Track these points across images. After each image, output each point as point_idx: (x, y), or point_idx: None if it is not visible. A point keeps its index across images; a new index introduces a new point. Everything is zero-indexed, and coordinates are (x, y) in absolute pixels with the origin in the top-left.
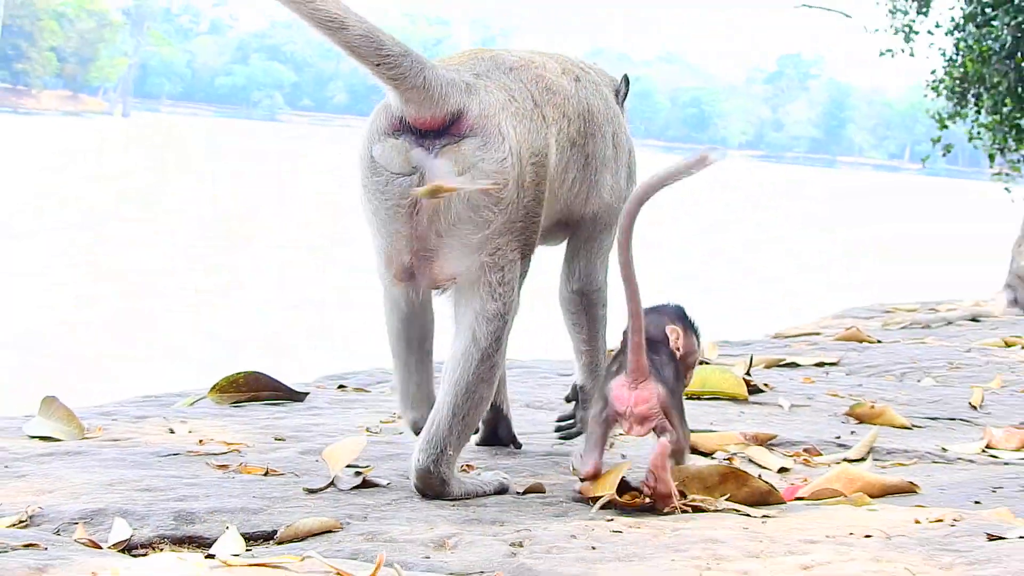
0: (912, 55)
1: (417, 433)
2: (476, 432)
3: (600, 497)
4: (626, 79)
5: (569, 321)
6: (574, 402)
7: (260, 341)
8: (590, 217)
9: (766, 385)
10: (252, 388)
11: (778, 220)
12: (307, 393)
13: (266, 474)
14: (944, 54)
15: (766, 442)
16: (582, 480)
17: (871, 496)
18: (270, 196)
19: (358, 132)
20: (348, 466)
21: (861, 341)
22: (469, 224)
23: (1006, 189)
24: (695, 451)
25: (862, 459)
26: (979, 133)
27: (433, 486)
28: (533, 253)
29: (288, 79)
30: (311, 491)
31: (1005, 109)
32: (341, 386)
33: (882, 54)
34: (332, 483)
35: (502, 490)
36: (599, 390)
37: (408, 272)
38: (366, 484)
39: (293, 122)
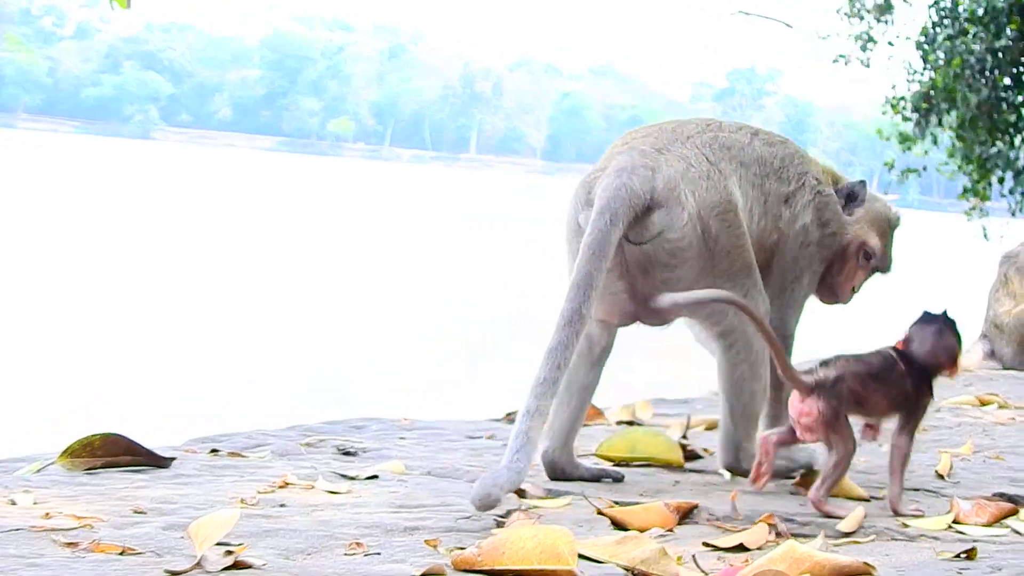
0: (868, 65)
1: (546, 463)
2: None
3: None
4: (862, 182)
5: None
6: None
7: (119, 395)
8: (777, 251)
9: (705, 450)
10: (109, 452)
11: None
12: (173, 458)
13: (122, 553)
14: (910, 67)
15: (689, 512)
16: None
17: None
18: (141, 227)
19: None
20: (218, 544)
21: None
22: (672, 279)
23: (983, 228)
24: (619, 527)
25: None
26: (947, 162)
27: (739, 474)
28: (754, 269)
29: (164, 91)
30: (174, 573)
31: (977, 141)
32: (214, 450)
33: (835, 60)
34: (198, 564)
35: (808, 465)
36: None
37: (632, 316)
38: (238, 565)
39: (170, 140)
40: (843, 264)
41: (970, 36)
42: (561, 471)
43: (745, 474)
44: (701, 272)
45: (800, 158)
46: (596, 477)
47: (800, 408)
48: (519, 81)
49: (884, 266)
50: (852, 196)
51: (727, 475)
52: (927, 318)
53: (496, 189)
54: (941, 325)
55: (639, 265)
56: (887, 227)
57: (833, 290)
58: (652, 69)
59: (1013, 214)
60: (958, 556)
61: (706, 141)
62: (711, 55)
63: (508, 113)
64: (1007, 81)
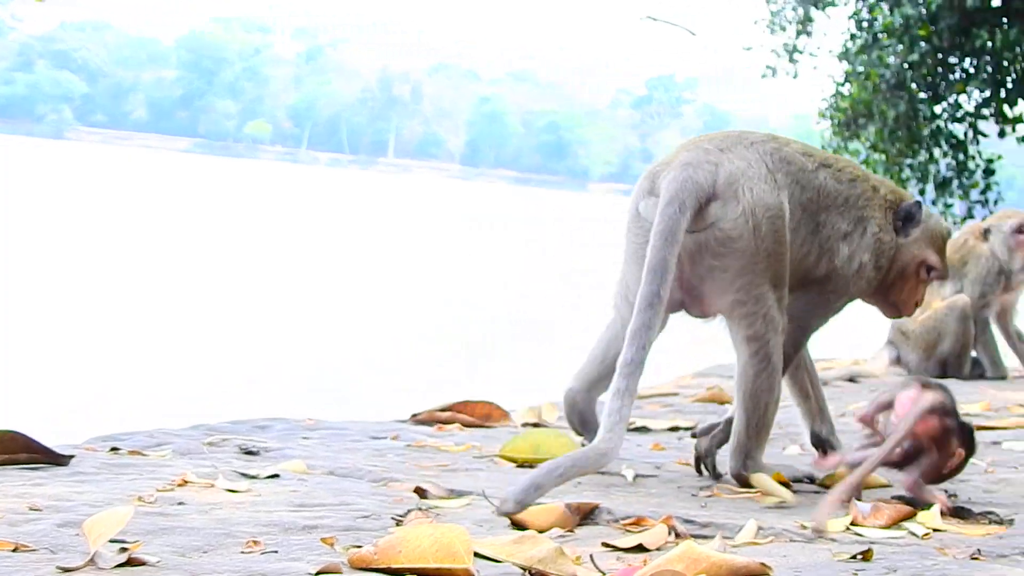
0: (795, 76)
1: (567, 400)
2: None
3: None
4: (918, 203)
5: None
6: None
7: (27, 394)
8: (822, 278)
9: None
10: (7, 450)
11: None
12: (72, 456)
13: (15, 550)
14: (833, 79)
15: (589, 513)
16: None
17: None
18: (54, 228)
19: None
20: (112, 541)
21: (723, 403)
22: (718, 269)
23: None
24: (519, 527)
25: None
26: (869, 162)
27: (746, 484)
28: (786, 284)
29: (79, 90)
30: (66, 570)
31: (894, 147)
32: (114, 448)
33: (764, 75)
34: (91, 560)
35: (811, 479)
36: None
37: (679, 304)
38: (132, 562)
39: (84, 140)
40: (904, 283)
41: (886, 50)
42: (579, 414)
43: (747, 484)
44: (744, 267)
45: (866, 200)
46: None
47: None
48: (438, 86)
49: (944, 276)
50: (909, 217)
51: (630, 476)
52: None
53: (414, 193)
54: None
55: (689, 252)
56: (942, 242)
57: (897, 307)
58: (571, 75)
59: None
60: (854, 557)
61: (768, 151)
62: (631, 62)
63: (426, 117)
64: (923, 94)
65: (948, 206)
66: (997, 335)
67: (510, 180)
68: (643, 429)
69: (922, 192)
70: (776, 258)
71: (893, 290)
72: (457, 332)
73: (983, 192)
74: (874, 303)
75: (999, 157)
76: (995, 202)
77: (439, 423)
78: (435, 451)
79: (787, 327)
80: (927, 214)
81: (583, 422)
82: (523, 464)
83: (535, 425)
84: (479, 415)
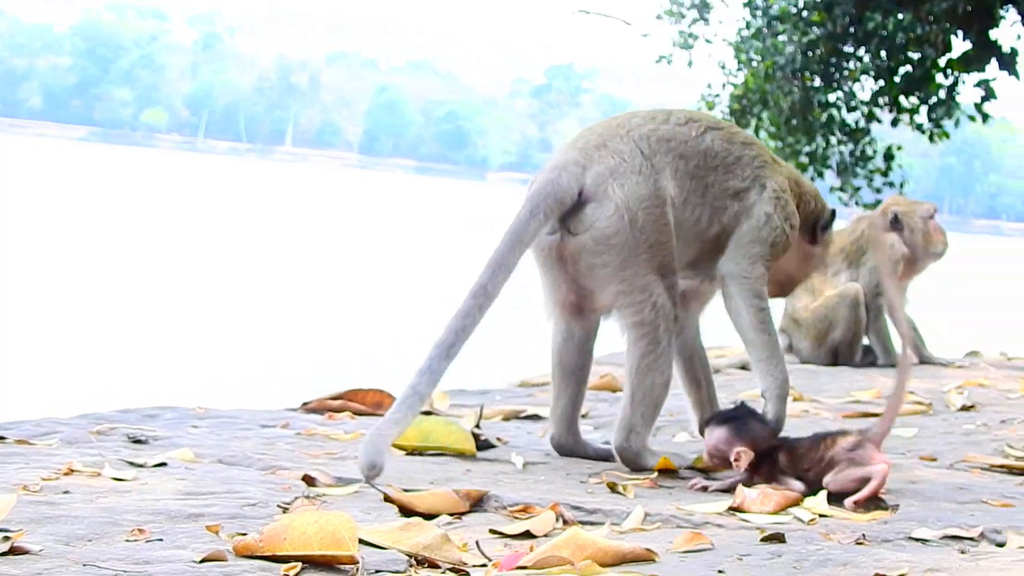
0: (690, 64)
1: (555, 446)
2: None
3: None
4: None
5: (728, 310)
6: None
7: None
8: (720, 236)
9: (499, 439)
10: None
11: None
12: None
13: None
14: (724, 67)
15: (478, 500)
16: None
17: (603, 565)
18: None
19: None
20: None
21: (615, 391)
22: (599, 267)
23: None
24: (407, 513)
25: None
26: None
27: (628, 459)
28: (675, 271)
29: None
30: None
31: (790, 136)
32: (1, 437)
33: (658, 61)
34: None
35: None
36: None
37: (576, 307)
38: (15, 551)
39: None
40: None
41: (780, 37)
42: (568, 451)
43: (635, 457)
44: (626, 261)
45: (763, 163)
46: (601, 456)
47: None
48: (336, 74)
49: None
50: (824, 226)
51: (519, 464)
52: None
53: (312, 183)
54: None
55: (571, 255)
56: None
57: (782, 288)
58: (470, 64)
59: (846, 205)
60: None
61: (644, 134)
62: (530, 51)
63: (325, 106)
64: (817, 81)
65: (857, 189)
66: (888, 322)
67: (409, 169)
68: (534, 417)
69: (820, 175)
70: (659, 247)
71: (782, 267)
72: (354, 321)
73: (885, 174)
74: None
75: (899, 148)
76: (902, 185)
77: (330, 411)
78: (325, 439)
79: (729, 275)
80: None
81: (582, 455)
82: (413, 452)
83: (426, 413)
84: (370, 403)
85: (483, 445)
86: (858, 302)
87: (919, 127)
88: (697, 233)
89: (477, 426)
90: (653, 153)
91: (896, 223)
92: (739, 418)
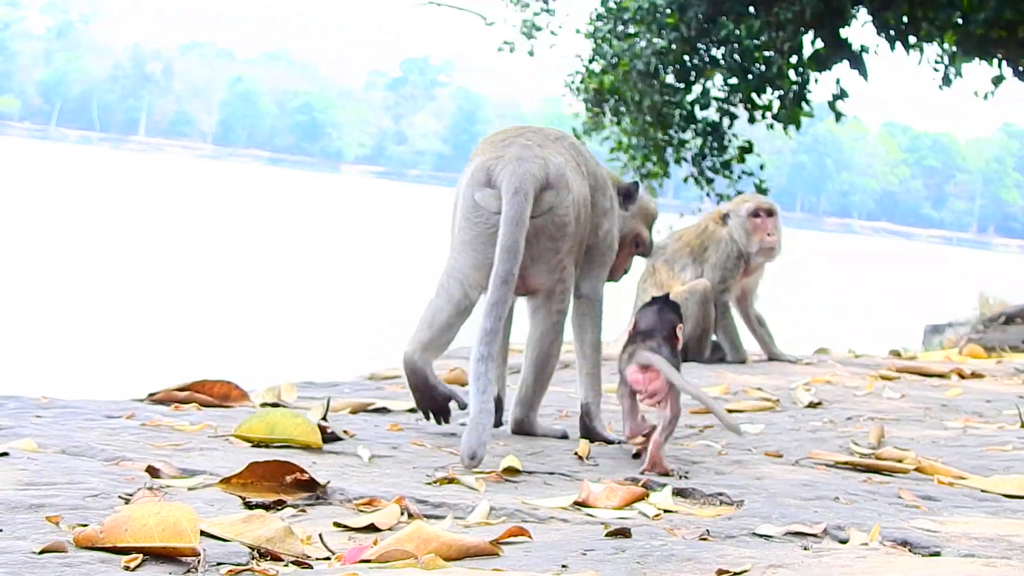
0: (532, 54)
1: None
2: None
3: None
4: (635, 183)
5: (576, 325)
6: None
7: None
8: (591, 248)
9: (346, 432)
10: None
11: (400, 243)
12: None
13: None
14: (581, 58)
15: (323, 492)
16: (629, 440)
17: (447, 559)
18: None
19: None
20: None
21: (464, 385)
22: (550, 251)
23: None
24: (249, 505)
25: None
26: (621, 144)
27: (525, 430)
28: (576, 265)
29: None
30: None
31: (649, 132)
32: None
33: (500, 48)
34: None
35: (564, 435)
36: (620, 372)
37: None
38: None
39: None
40: (620, 252)
41: (635, 37)
42: (418, 373)
43: (531, 428)
44: (568, 249)
45: (607, 178)
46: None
47: (647, 378)
48: (190, 64)
49: (648, 252)
50: (628, 195)
51: (365, 456)
52: (649, 303)
53: (165, 172)
54: (660, 305)
55: (528, 236)
56: (651, 220)
57: (612, 273)
58: (326, 55)
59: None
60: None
61: (568, 145)
62: (386, 43)
63: (179, 96)
64: (672, 80)
65: (709, 181)
66: (737, 319)
67: (263, 161)
68: (383, 410)
69: (678, 161)
70: (580, 243)
71: None
72: (206, 310)
73: (741, 160)
74: None
75: (750, 144)
76: (762, 183)
77: (176, 403)
78: (170, 430)
79: (587, 296)
80: (642, 193)
81: (423, 380)
82: (259, 444)
83: (273, 405)
84: (217, 395)
85: (329, 438)
86: (706, 298)
87: (774, 119)
88: (582, 240)
89: (324, 418)
90: (579, 162)
91: (725, 219)
92: (654, 303)
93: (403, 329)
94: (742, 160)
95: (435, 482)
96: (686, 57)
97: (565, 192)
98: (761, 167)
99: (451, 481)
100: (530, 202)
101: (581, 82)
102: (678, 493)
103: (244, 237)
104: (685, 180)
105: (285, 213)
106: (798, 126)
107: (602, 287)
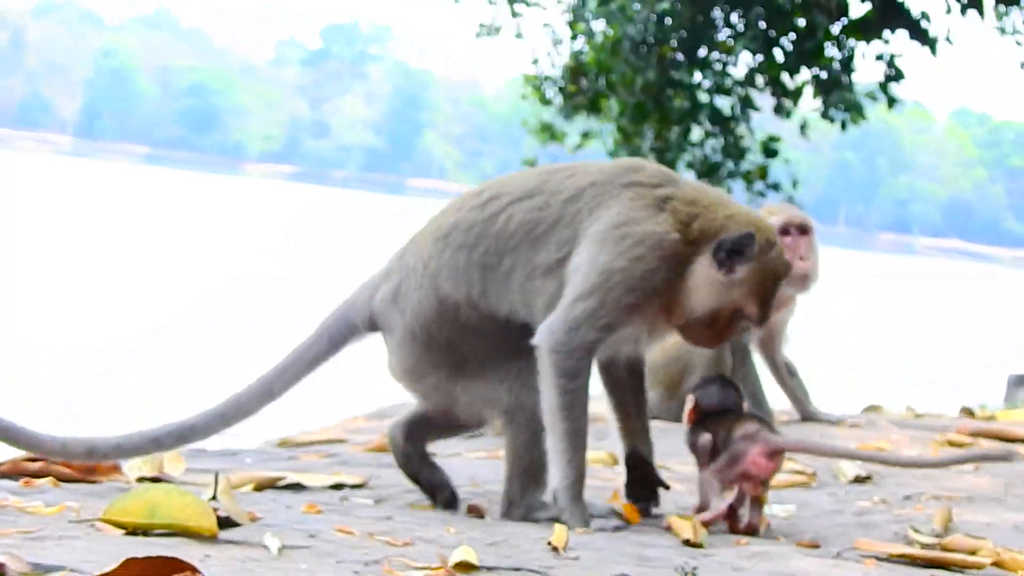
0: (520, 36)
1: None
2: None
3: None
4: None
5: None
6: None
7: None
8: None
9: (250, 516)
10: None
11: (316, 267)
12: None
13: None
14: (555, 35)
15: None
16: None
17: None
18: None
19: None
20: None
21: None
22: (420, 392)
23: None
24: None
25: None
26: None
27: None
28: (509, 357)
29: None
30: None
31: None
32: None
33: (479, 34)
34: None
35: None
36: (730, 450)
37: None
38: None
39: None
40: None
41: (635, 8)
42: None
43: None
44: (448, 378)
45: (597, 202)
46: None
47: (770, 465)
48: (45, 32)
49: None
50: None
51: (274, 548)
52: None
53: (13, 172)
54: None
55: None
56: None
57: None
58: (222, 21)
59: None
60: None
61: (433, 231)
62: (301, 6)
63: (31, 74)
64: (678, 56)
65: (727, 192)
66: (761, 367)
67: (139, 158)
68: (296, 487)
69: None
70: (456, 343)
71: None
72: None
73: (763, 176)
74: None
75: (778, 139)
76: (795, 185)
77: (26, 476)
78: (18, 513)
79: (549, 364)
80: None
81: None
82: (134, 531)
83: (154, 480)
84: (80, 467)
85: (226, 522)
86: None
87: (822, 116)
88: (516, 324)
89: (214, 497)
90: (431, 257)
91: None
92: (712, 381)
93: (325, 379)
94: (766, 165)
95: None
96: (697, 23)
97: (394, 329)
98: (794, 184)
99: None
100: (323, 342)
101: (552, 60)
102: None
103: (112, 255)
104: None
105: (167, 226)
106: (855, 119)
107: (574, 335)
